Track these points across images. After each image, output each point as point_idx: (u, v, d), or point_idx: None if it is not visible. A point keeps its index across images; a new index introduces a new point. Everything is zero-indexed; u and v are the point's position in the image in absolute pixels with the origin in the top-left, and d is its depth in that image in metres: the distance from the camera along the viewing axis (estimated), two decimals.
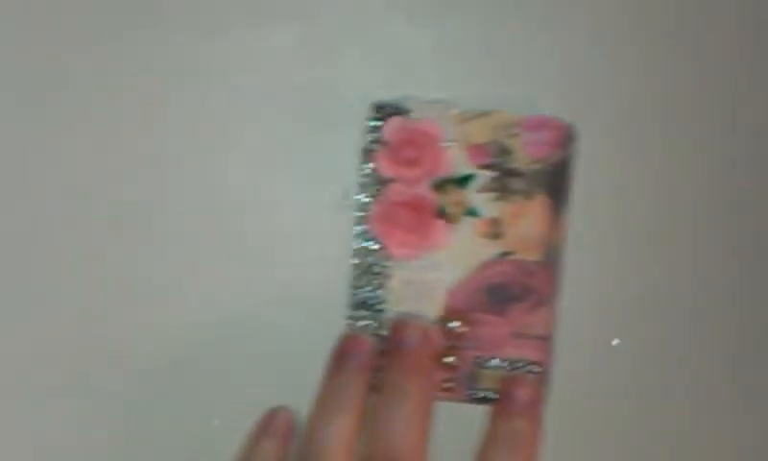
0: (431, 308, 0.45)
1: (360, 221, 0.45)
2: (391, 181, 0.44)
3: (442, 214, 0.44)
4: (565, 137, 0.44)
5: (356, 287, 0.45)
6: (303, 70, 0.45)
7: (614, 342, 0.46)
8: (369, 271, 0.45)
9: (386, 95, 0.44)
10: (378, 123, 0.45)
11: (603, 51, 0.44)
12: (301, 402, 0.43)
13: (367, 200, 0.45)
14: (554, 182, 0.44)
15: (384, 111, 0.45)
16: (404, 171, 0.44)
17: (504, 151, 0.45)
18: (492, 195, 0.45)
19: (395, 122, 0.44)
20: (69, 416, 0.45)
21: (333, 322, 0.45)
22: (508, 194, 0.45)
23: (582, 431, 0.45)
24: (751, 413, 0.46)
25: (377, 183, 0.45)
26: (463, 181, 0.45)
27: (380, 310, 0.45)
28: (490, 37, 0.45)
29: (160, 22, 0.45)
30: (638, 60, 0.45)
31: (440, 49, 0.45)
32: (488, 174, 0.45)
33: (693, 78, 0.46)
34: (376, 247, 0.45)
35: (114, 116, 0.45)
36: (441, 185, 0.45)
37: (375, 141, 0.45)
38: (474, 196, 0.45)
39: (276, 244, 0.45)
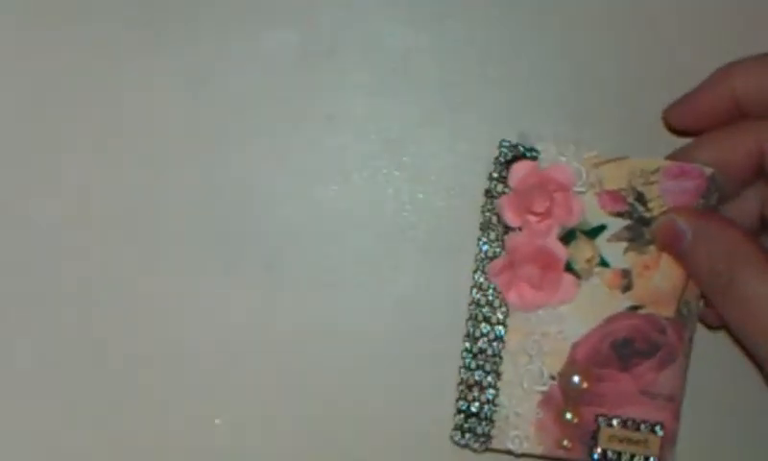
0: (552, 362, 0.42)
1: (479, 268, 0.42)
2: (516, 229, 0.41)
3: (570, 268, 0.41)
4: (708, 187, 0.41)
5: (471, 337, 0.42)
6: (303, 70, 0.44)
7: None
8: (485, 321, 0.42)
9: (390, 101, 0.44)
10: (503, 165, 0.41)
11: (604, 50, 0.43)
12: (304, 402, 0.44)
13: (487, 247, 0.41)
14: None
15: (510, 154, 0.41)
16: (532, 221, 0.41)
17: (640, 198, 0.41)
18: (624, 245, 0.41)
19: (523, 168, 0.41)
20: (69, 416, 0.44)
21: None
22: (641, 244, 0.41)
23: None
24: None
25: (501, 230, 0.41)
26: (594, 231, 0.41)
27: (496, 361, 0.42)
28: (490, 38, 0.44)
29: (161, 23, 0.44)
30: (637, 58, 0.44)
31: (440, 49, 0.44)
32: (620, 222, 0.41)
33: None
34: (495, 297, 0.41)
35: (114, 116, 0.44)
36: (570, 235, 0.41)
37: (500, 184, 0.41)
38: (604, 245, 0.41)
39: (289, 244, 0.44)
